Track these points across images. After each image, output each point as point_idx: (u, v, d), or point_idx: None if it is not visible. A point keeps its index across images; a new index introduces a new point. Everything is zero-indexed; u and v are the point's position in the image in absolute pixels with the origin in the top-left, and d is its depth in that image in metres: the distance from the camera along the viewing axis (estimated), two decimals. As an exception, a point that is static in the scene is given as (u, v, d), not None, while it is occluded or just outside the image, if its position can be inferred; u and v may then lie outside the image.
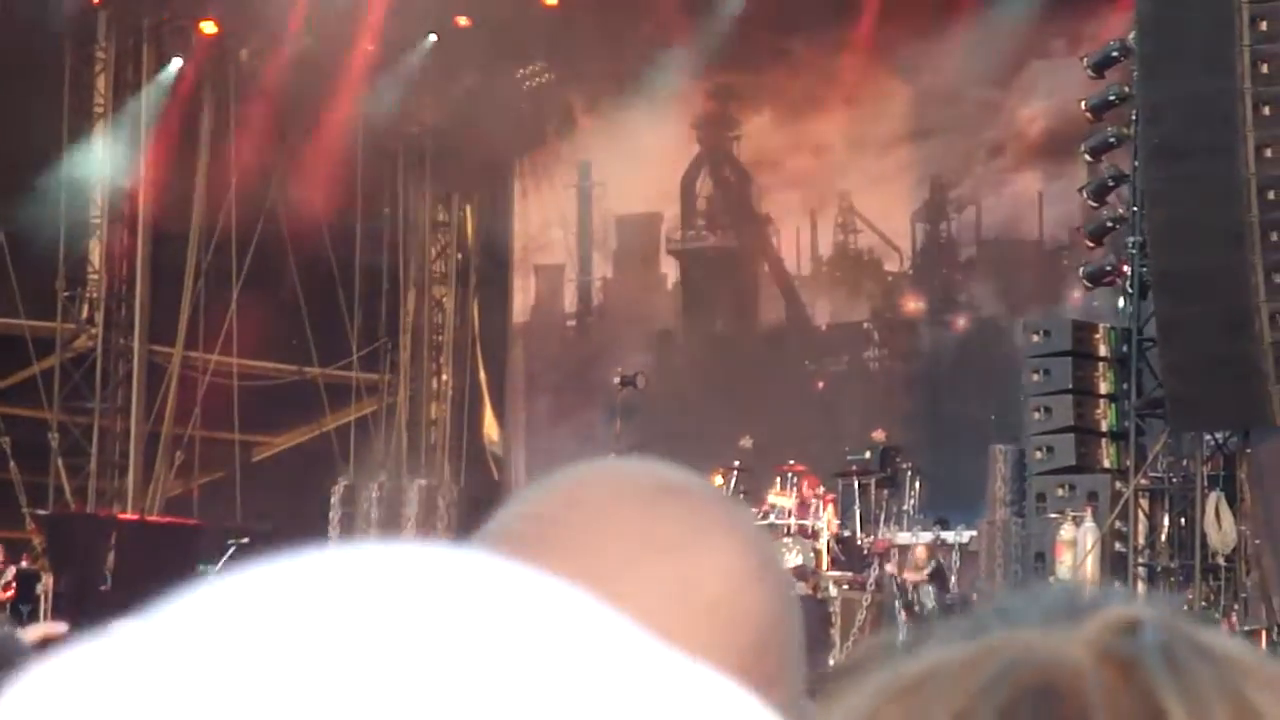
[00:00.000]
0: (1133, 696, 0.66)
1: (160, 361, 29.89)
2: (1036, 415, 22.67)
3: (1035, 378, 22.76)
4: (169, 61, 29.68)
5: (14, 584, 22.72)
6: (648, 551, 1.11)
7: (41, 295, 28.38)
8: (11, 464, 27.41)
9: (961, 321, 30.49)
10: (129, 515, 28.32)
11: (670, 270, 33.05)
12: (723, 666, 1.01)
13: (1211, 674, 0.66)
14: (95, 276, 29.51)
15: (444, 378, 33.58)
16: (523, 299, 34.04)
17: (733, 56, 30.88)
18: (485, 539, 1.14)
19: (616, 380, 27.79)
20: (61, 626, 2.18)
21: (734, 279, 32.45)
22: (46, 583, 24.14)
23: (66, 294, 29.02)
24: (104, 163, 29.59)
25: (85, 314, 29.38)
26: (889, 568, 22.61)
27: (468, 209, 34.07)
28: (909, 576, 22.58)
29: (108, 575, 25.35)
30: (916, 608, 21.82)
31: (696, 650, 1.01)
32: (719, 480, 25.19)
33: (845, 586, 23.56)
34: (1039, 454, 22.52)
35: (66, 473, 28.61)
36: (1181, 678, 0.65)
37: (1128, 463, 22.13)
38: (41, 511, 27.13)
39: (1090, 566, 21.09)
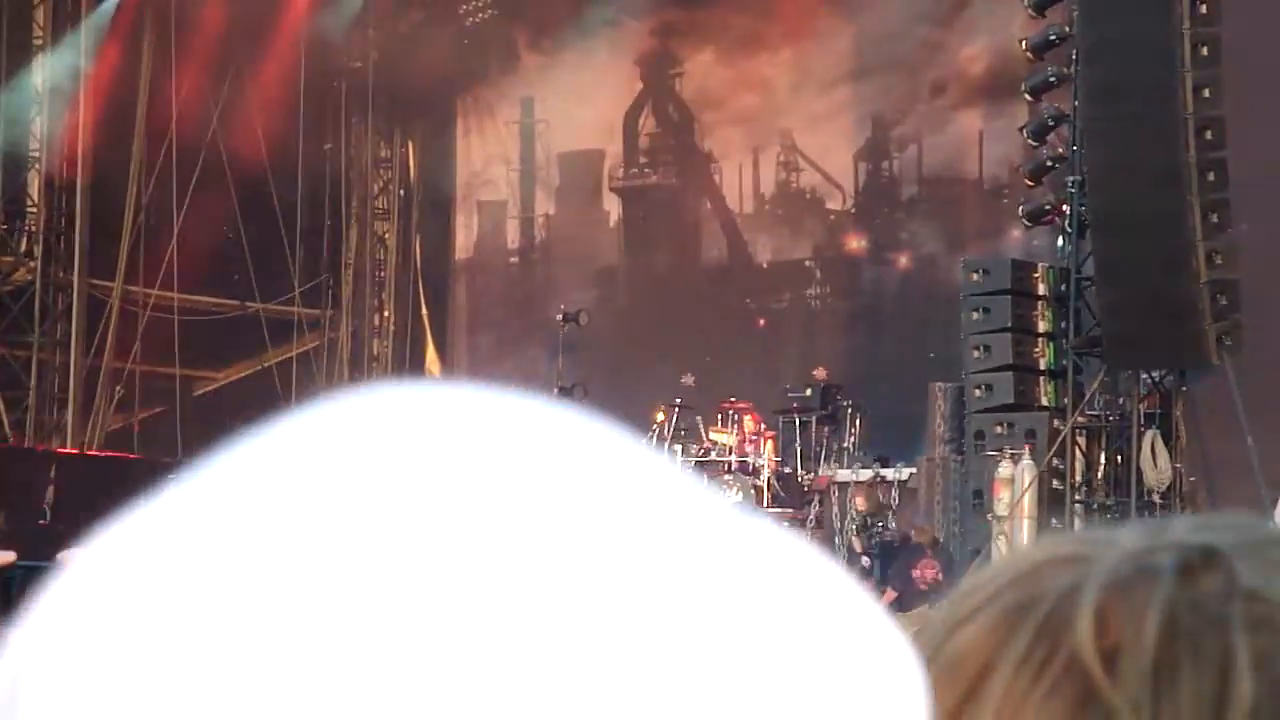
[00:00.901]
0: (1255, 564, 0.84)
1: (100, 295, 29.75)
2: (975, 353, 22.77)
3: (975, 316, 22.85)
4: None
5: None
6: None
7: (-20, 229, 28.20)
8: (-50, 398, 27.29)
9: (903, 260, 30.60)
10: (68, 449, 28.23)
11: (613, 208, 33.06)
12: None
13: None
14: (34, 210, 29.32)
15: (386, 314, 33.53)
16: (465, 236, 34.02)
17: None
18: None
19: (559, 317, 27.81)
20: (10, 555, 2.13)
21: (676, 217, 32.48)
22: (-15, 516, 24.07)
23: (4, 227, 28.83)
24: (43, 96, 29.38)
25: (24, 247, 29.20)
26: (859, 502, 22.65)
27: (410, 145, 33.97)
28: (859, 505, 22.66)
29: (47, 510, 25.28)
30: (866, 540, 21.96)
31: None
32: (660, 416, 25.29)
33: (785, 524, 23.66)
34: (978, 392, 22.63)
35: (5, 407, 28.47)
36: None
37: (1065, 401, 22.27)
38: (-20, 445, 27.03)
39: (1027, 503, 21.25)
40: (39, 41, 29.39)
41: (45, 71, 29.39)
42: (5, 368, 28.58)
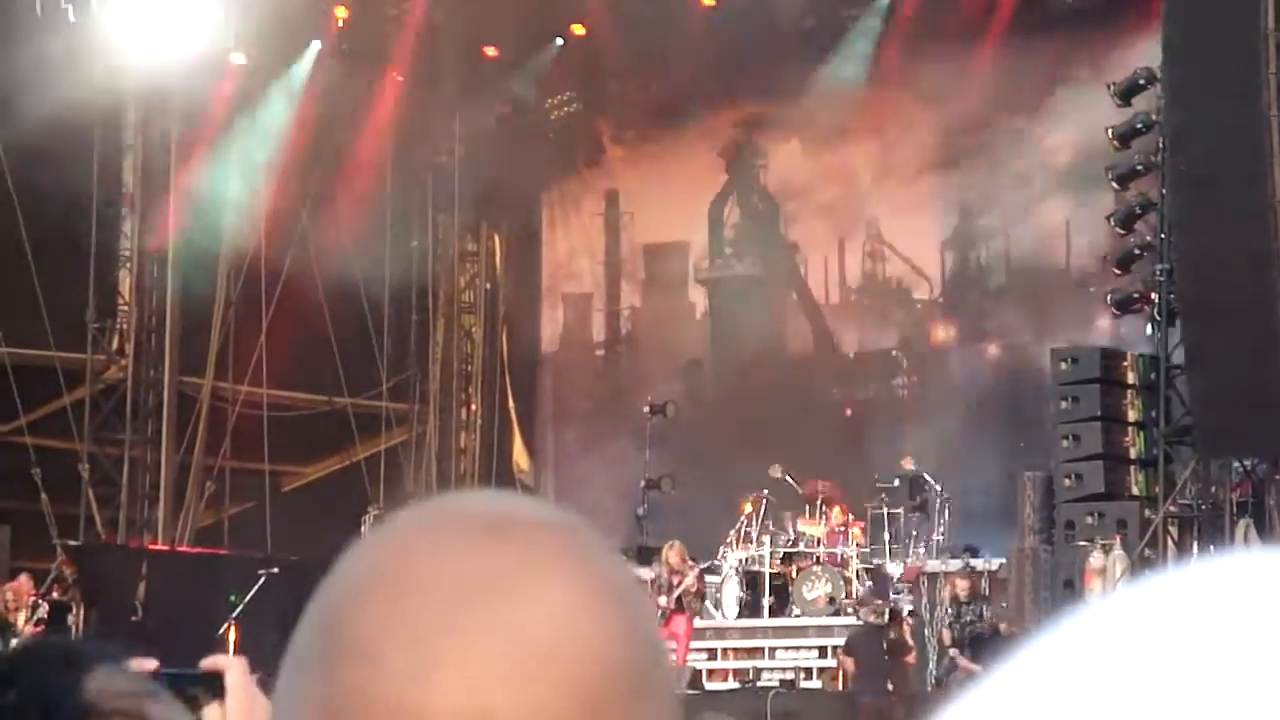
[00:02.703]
0: None
1: (190, 392, 29.97)
2: (1065, 443, 22.65)
3: (1064, 405, 22.74)
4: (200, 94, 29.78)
5: (45, 620, 22.76)
6: (474, 594, 1.05)
7: (72, 326, 28.48)
8: (43, 495, 27.48)
9: (991, 349, 30.47)
10: (159, 546, 28.39)
11: (699, 299, 33.08)
12: (557, 705, 1.02)
13: None
14: (125, 308, 29.61)
15: (473, 407, 33.62)
16: (551, 328, 34.10)
17: (760, 86, 30.95)
18: (321, 596, 1.10)
19: (646, 409, 27.83)
20: (152, 663, 2.13)
21: (762, 307, 32.46)
22: (77, 614, 24.21)
23: (96, 325, 29.11)
24: (134, 194, 29.72)
25: (116, 345, 29.48)
26: (960, 587, 22.46)
27: (496, 238, 34.15)
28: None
29: (138, 606, 25.40)
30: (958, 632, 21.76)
31: (528, 694, 1.02)
32: (748, 508, 25.21)
33: (873, 615, 23.51)
34: (1068, 481, 22.49)
35: (97, 504, 28.67)
36: None
37: (1156, 490, 22.10)
38: (72, 543, 27.18)
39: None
40: (130, 142, 29.75)
41: (135, 171, 29.73)
42: (97, 466, 28.80)
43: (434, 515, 1.11)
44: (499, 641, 1.04)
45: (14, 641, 22.24)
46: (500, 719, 1.02)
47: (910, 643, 21.79)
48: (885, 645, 21.54)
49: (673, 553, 22.56)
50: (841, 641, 23.01)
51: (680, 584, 22.16)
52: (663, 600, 22.27)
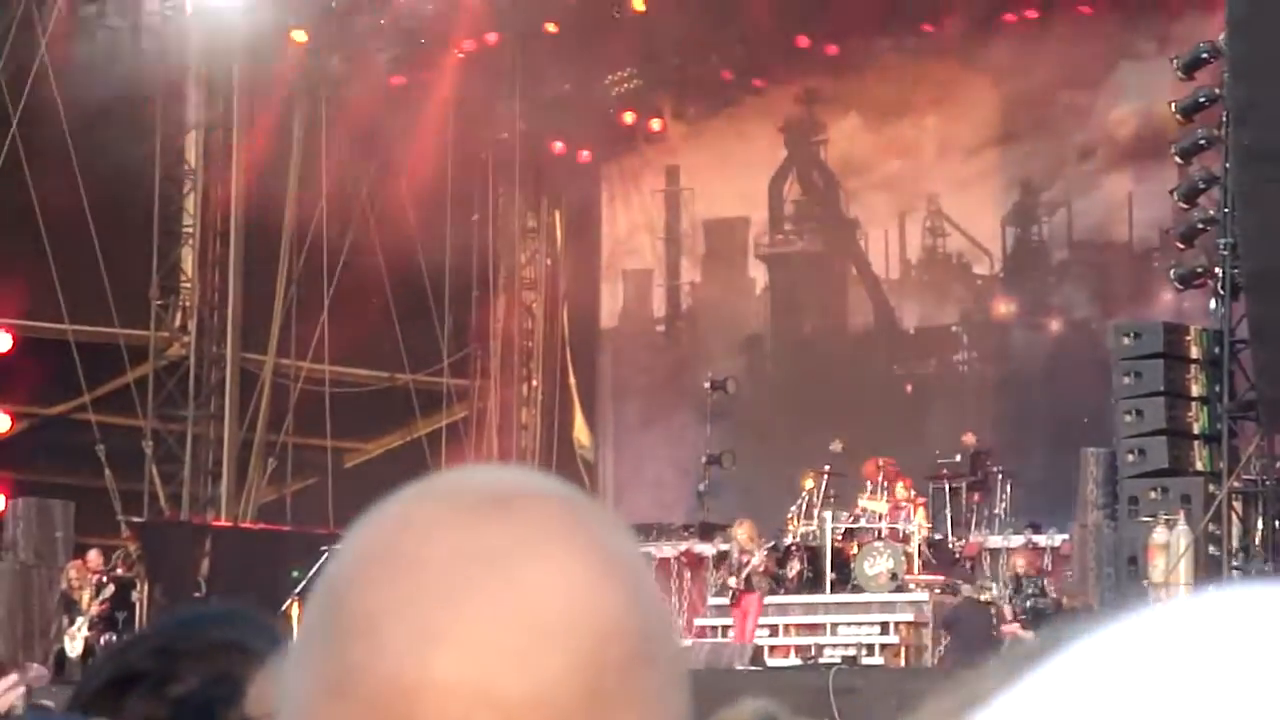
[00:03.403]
0: None
1: (252, 369, 30.11)
2: (1128, 418, 22.55)
3: (1126, 380, 22.64)
4: (259, 70, 29.90)
5: (110, 598, 22.91)
6: (473, 567, 1.06)
7: (135, 303, 28.64)
8: (107, 471, 27.67)
9: (1053, 325, 30.35)
10: (223, 522, 28.55)
11: (759, 274, 33.04)
12: (557, 680, 1.02)
13: None
14: (188, 285, 29.76)
15: (534, 383, 33.67)
16: (611, 304, 34.11)
17: (820, 60, 30.88)
18: (325, 572, 1.11)
19: (706, 384, 27.83)
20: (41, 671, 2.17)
21: (822, 283, 32.41)
22: (142, 590, 24.38)
23: (160, 302, 29.27)
24: (196, 171, 29.86)
25: (179, 322, 29.63)
26: (1019, 564, 22.38)
27: (556, 214, 34.17)
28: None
29: (202, 582, 25.56)
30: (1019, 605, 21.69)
31: (529, 668, 1.03)
32: (809, 483, 25.20)
33: (937, 590, 23.50)
34: (1131, 457, 22.39)
35: (161, 480, 28.85)
36: None
37: (1220, 465, 21.98)
38: (136, 519, 27.37)
39: (1183, 570, 20.96)
40: (193, 119, 29.89)
41: (198, 146, 29.87)
42: (161, 442, 28.98)
43: (435, 490, 1.12)
44: (499, 615, 1.04)
45: (79, 620, 22.42)
46: (501, 693, 1.03)
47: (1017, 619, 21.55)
48: (995, 621, 21.39)
49: (742, 531, 22.56)
50: (906, 617, 22.99)
51: (749, 563, 22.16)
52: (732, 581, 22.27)
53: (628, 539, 1.12)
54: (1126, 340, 22.88)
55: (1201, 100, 22.34)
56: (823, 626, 23.77)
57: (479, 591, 1.04)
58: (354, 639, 1.05)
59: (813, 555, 24.29)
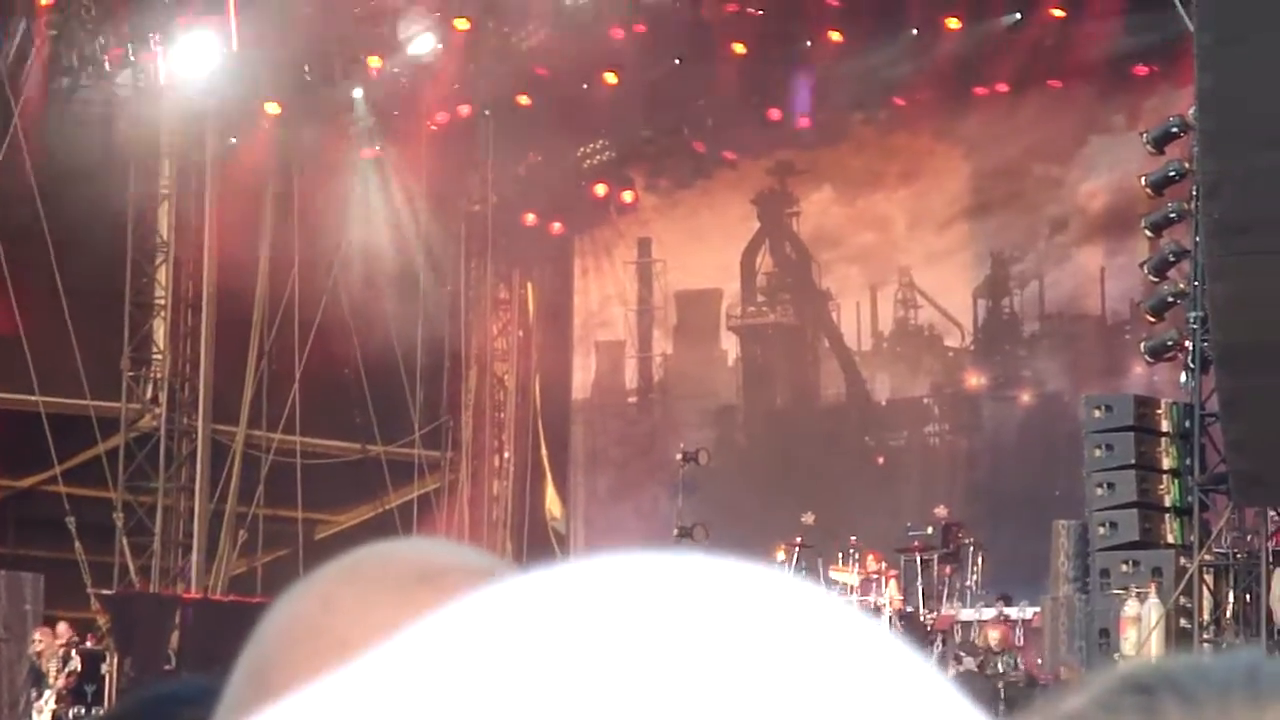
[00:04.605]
0: None
1: (224, 440, 30.05)
2: (1099, 490, 22.58)
3: (1098, 453, 22.68)
4: (233, 142, 29.95)
5: (76, 671, 22.77)
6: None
7: (106, 375, 28.59)
8: (76, 543, 27.56)
9: (1025, 397, 30.41)
10: (193, 594, 28.42)
11: (731, 346, 33.08)
12: None
13: None
14: (159, 356, 29.71)
15: (506, 454, 33.63)
16: (583, 375, 34.11)
17: (792, 133, 31.02)
18: (249, 648, 1.09)
19: (678, 456, 27.80)
20: None
21: (794, 355, 32.46)
22: (111, 663, 24.24)
23: (131, 374, 29.22)
24: (168, 244, 29.86)
25: (150, 394, 29.57)
26: (993, 637, 22.28)
27: (529, 286, 34.20)
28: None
29: (172, 655, 25.42)
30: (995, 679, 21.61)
31: None
32: (780, 556, 25.16)
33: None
34: (1102, 529, 22.41)
35: (131, 552, 28.74)
36: None
37: (1192, 538, 22.00)
38: (106, 591, 27.25)
39: (1155, 643, 20.94)
40: (165, 190, 29.91)
41: (169, 218, 29.88)
42: (131, 513, 28.88)
43: (362, 565, 1.09)
44: None
45: (46, 693, 22.28)
46: None
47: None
48: (1001, 693, 21.18)
49: None
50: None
51: None
52: None
53: None
54: (1098, 413, 22.92)
55: (1172, 174, 22.47)
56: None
57: None
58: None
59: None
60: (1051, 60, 28.83)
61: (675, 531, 27.18)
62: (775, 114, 30.96)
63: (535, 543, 32.58)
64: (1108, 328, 29.43)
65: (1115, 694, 0.77)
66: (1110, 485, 22.44)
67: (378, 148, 30.77)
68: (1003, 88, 29.48)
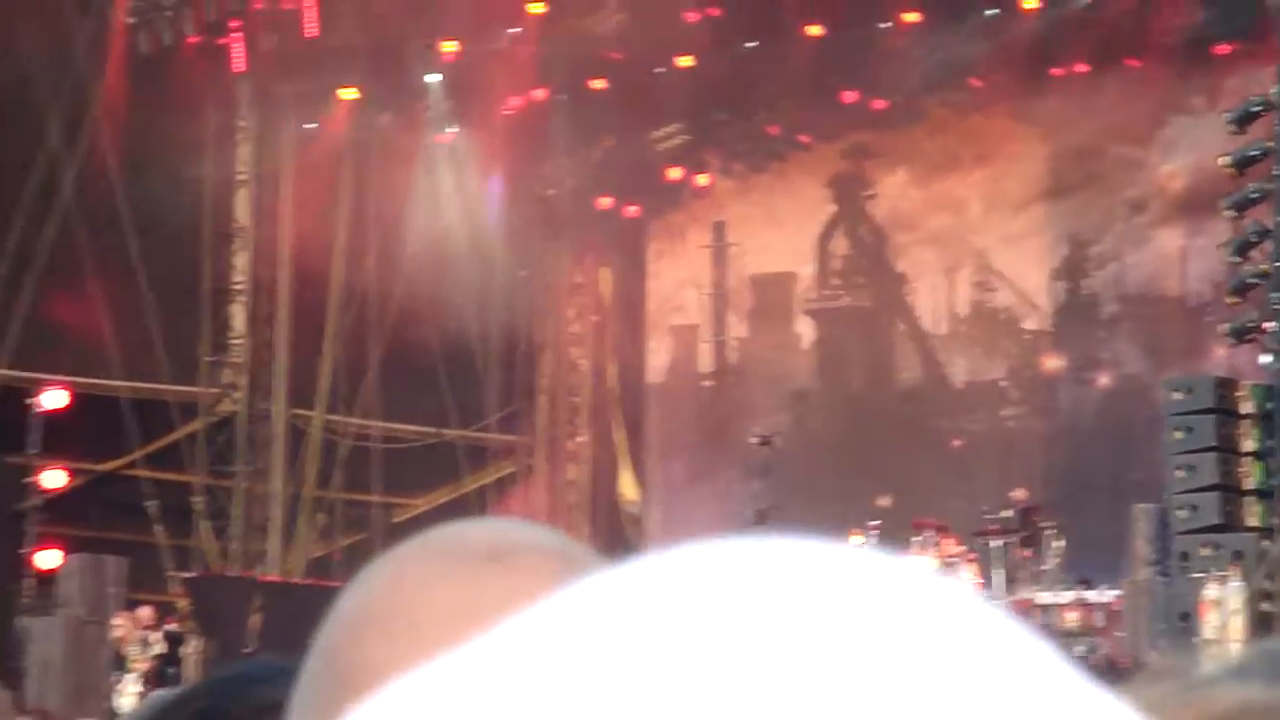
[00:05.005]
0: None
1: (301, 424, 30.21)
2: (1180, 473, 22.43)
3: (1178, 435, 22.53)
4: (309, 127, 30.07)
5: (159, 654, 22.94)
6: (470, 625, 0.98)
7: (186, 360, 28.78)
8: (158, 527, 27.77)
9: (1103, 379, 30.23)
10: (272, 577, 28.60)
11: (806, 330, 33.01)
12: None
13: None
14: (238, 341, 29.89)
15: (581, 438, 33.68)
16: (658, 359, 34.11)
17: (867, 115, 30.91)
18: (323, 629, 1.10)
19: (753, 440, 27.76)
20: None
21: (870, 338, 32.37)
22: (192, 645, 24.41)
23: (210, 359, 29.40)
24: (247, 229, 30.03)
25: (229, 378, 29.76)
26: (1071, 619, 22.20)
27: (604, 270, 34.23)
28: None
29: (252, 638, 25.58)
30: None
31: None
32: (856, 540, 25.12)
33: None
34: (1182, 513, 22.27)
35: (211, 535, 28.96)
36: None
37: (1274, 520, 21.84)
38: (186, 574, 27.45)
39: (1236, 627, 20.81)
40: (242, 176, 30.08)
41: (248, 205, 30.05)
42: (211, 498, 29.08)
43: (433, 546, 1.10)
44: None
45: (129, 675, 22.48)
46: None
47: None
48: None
49: None
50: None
51: None
52: None
53: None
54: (1178, 395, 22.78)
55: (1253, 154, 22.29)
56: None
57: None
58: (351, 696, 1.03)
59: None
60: (1130, 40, 28.62)
61: (750, 515, 27.16)
62: (850, 96, 30.85)
63: (610, 527, 32.65)
64: (1188, 309, 29.22)
65: (1249, 661, 0.77)
66: (1191, 468, 22.29)
67: (453, 133, 30.85)
68: (1081, 68, 29.29)
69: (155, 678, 22.57)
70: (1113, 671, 21.16)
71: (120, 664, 23.05)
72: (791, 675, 0.65)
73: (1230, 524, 22.11)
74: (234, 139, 29.82)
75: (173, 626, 24.38)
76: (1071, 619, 22.30)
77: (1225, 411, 22.42)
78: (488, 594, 1.05)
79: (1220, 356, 26.32)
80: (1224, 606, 20.98)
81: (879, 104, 30.76)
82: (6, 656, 23.52)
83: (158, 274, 27.48)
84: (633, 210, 33.41)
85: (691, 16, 29.56)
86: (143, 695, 22.36)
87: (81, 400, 26.31)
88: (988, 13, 29.31)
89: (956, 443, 31.12)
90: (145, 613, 23.30)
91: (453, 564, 1.08)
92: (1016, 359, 31.14)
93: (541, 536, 1.11)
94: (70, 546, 25.44)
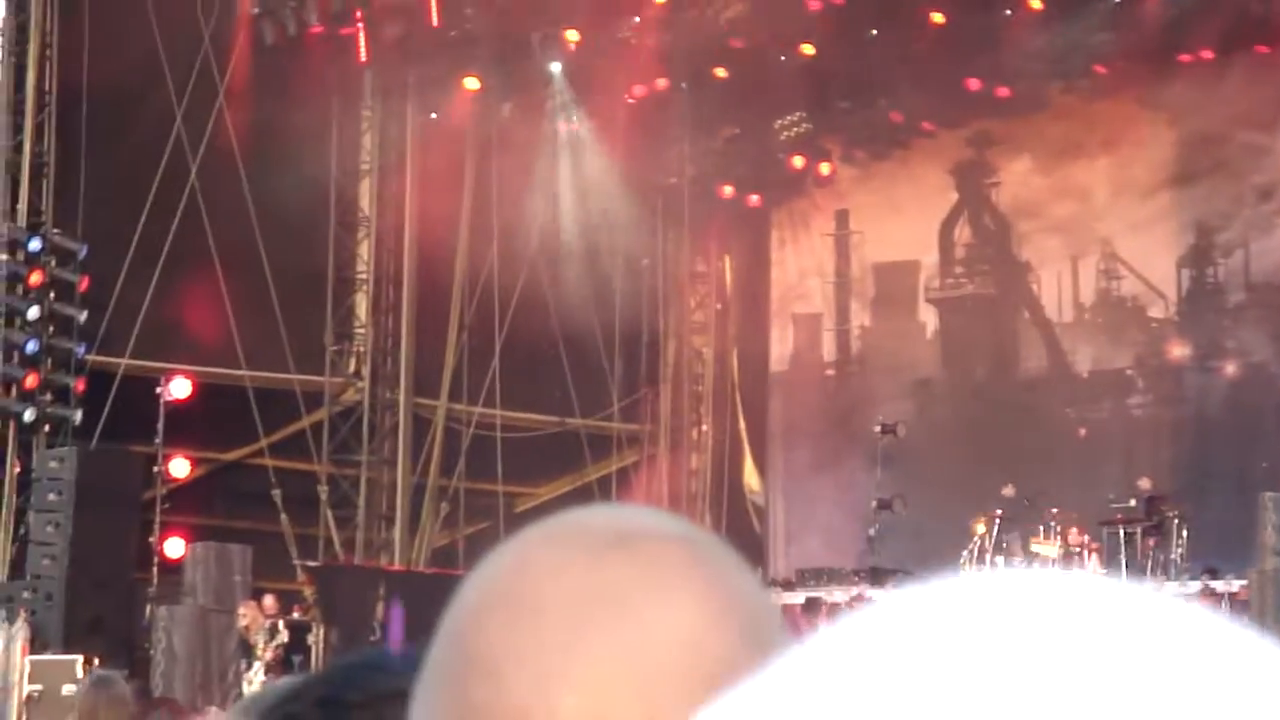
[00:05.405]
0: None
1: (425, 414, 30.38)
2: (1308, 462, 22.21)
3: (1306, 424, 22.31)
4: (432, 117, 30.22)
5: (284, 643, 23.11)
6: (593, 608, 1.05)
7: (310, 349, 29.02)
8: (283, 516, 28.01)
9: (1230, 368, 29.93)
10: (396, 566, 28.78)
11: (929, 318, 32.88)
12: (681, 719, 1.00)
13: None
14: (362, 331, 30.10)
15: (704, 427, 33.70)
16: (781, 348, 34.08)
17: (991, 102, 30.72)
18: (450, 613, 1.11)
19: (877, 429, 27.69)
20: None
21: (994, 326, 32.19)
22: (317, 634, 24.61)
23: (334, 348, 29.62)
24: (370, 217, 30.23)
25: (353, 368, 29.97)
26: None
27: (726, 259, 34.22)
28: None
29: (377, 627, 25.76)
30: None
31: (650, 711, 1.02)
32: (980, 528, 25.00)
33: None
34: (1311, 502, 22.04)
35: (335, 524, 29.16)
36: None
37: (1403, 510, 21.57)
38: (311, 563, 27.67)
39: (1366, 618, 20.56)
40: (366, 166, 30.27)
41: (372, 195, 30.25)
42: (335, 487, 29.30)
43: (557, 531, 1.11)
44: (619, 656, 1.04)
45: (255, 664, 22.69)
46: None
47: None
48: None
49: None
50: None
51: None
52: None
53: (748, 579, 1.11)
54: (1306, 383, 22.54)
55: (1382, 139, 21.99)
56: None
57: (599, 632, 1.04)
58: (477, 680, 1.05)
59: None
60: (1258, 26, 28.30)
61: (874, 504, 27.10)
62: (974, 84, 30.66)
63: (735, 516, 32.66)
64: (1316, 297, 28.91)
65: None
66: (1318, 457, 22.07)
67: (575, 122, 30.92)
68: (1208, 54, 28.99)
69: (280, 666, 22.75)
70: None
71: (246, 653, 23.26)
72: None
73: (1360, 514, 21.86)
74: (358, 129, 30.02)
75: (298, 615, 24.59)
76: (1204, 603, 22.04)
77: (1355, 400, 22.17)
78: (612, 579, 1.06)
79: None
80: (1353, 597, 20.73)
81: (1002, 91, 30.54)
82: (133, 646, 23.80)
83: (282, 264, 27.70)
84: (755, 199, 33.38)
85: (813, 4, 29.47)
86: (268, 684, 22.55)
87: (207, 390, 26.58)
88: (1113, -1, 29.07)
89: (1082, 432, 30.90)
90: (270, 602, 23.49)
91: (577, 549, 1.08)
92: (1142, 347, 30.89)
93: (665, 522, 1.12)
94: (196, 535, 25.71)
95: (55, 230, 25.70)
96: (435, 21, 28.66)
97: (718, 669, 1.04)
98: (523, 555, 1.10)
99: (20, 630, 21.88)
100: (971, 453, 29.83)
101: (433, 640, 1.12)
